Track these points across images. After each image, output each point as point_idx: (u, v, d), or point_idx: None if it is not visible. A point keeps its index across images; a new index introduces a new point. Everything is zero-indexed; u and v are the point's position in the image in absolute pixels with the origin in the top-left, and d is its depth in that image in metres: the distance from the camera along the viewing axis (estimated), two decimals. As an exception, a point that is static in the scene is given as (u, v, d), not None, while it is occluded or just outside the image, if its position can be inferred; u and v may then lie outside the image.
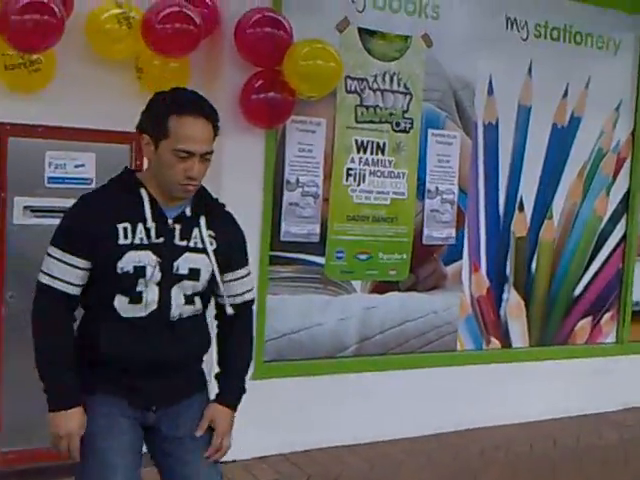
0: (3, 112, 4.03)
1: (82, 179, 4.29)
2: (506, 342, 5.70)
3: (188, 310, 2.59)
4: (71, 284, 2.51)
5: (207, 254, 2.58)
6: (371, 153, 4.98)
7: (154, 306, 2.52)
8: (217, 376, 2.75)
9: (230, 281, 2.69)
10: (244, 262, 2.75)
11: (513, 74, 5.51)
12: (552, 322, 5.88)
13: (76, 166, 4.28)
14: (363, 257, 5.04)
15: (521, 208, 5.62)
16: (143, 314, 2.52)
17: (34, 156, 4.19)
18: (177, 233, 2.54)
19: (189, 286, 2.57)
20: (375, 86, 4.93)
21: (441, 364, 5.31)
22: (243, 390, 2.75)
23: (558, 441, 5.38)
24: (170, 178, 2.47)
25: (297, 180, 4.75)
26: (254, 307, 2.85)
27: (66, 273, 2.50)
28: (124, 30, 4.10)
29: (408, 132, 5.10)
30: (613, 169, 6.02)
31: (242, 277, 2.73)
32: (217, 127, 2.52)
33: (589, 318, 6.04)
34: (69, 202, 3.84)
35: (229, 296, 2.70)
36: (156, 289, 2.51)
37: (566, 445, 5.33)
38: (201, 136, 2.45)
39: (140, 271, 2.49)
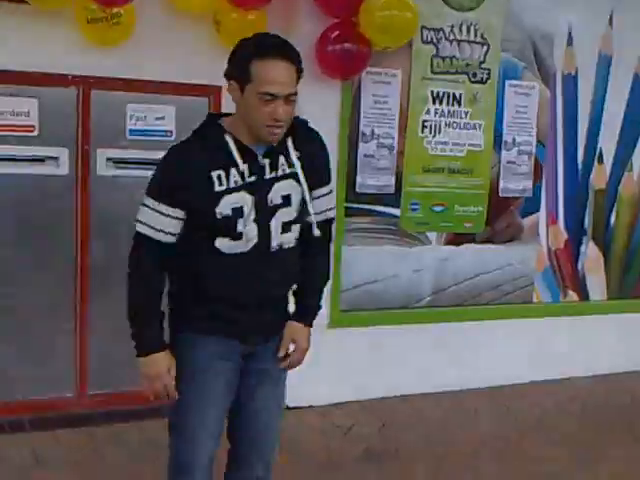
0: (86, 66, 4.15)
1: (162, 131, 4.41)
2: (583, 295, 5.64)
3: (286, 239, 2.66)
4: (166, 233, 2.59)
5: (295, 177, 2.64)
6: (447, 104, 4.95)
7: (255, 240, 2.59)
8: (295, 294, 2.82)
9: (314, 198, 2.72)
10: (328, 179, 2.79)
11: (593, 25, 5.36)
12: (631, 276, 5.79)
13: (156, 118, 4.39)
14: (438, 209, 5.04)
15: (600, 160, 5.52)
16: (245, 249, 2.60)
17: (116, 109, 4.31)
18: (267, 168, 2.60)
19: (284, 214, 2.64)
20: (452, 36, 4.88)
21: (516, 316, 5.31)
22: (319, 308, 2.85)
23: (635, 394, 5.33)
24: (257, 121, 2.50)
25: (372, 132, 4.77)
26: (334, 227, 2.90)
27: (161, 223, 2.58)
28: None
29: (485, 83, 5.05)
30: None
31: (326, 194, 2.77)
32: (300, 69, 2.54)
33: (669, 272, 5.93)
34: (150, 154, 4.08)
35: (316, 213, 2.73)
36: (255, 225, 2.58)
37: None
38: (284, 78, 2.48)
39: (238, 212, 2.56)
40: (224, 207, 2.55)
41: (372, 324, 4.89)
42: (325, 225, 2.80)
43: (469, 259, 5.16)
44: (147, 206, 2.60)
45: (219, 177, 2.55)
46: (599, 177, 5.55)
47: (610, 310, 5.68)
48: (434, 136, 4.94)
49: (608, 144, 5.53)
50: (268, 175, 2.60)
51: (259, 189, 2.58)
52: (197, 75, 4.37)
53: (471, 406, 4.97)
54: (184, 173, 2.56)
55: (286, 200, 2.63)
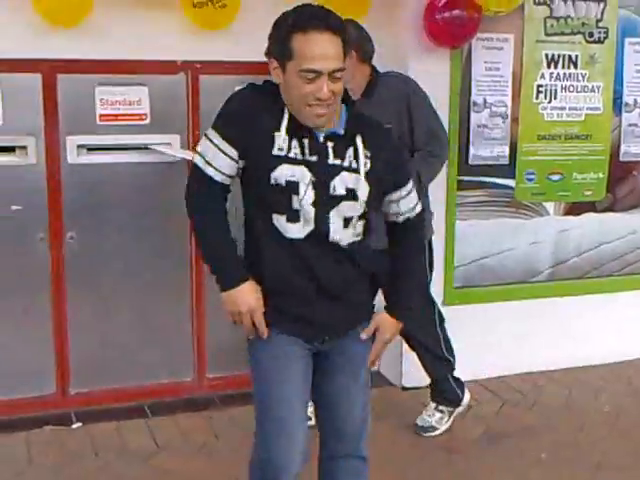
0: (192, 51, 4.11)
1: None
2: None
3: (348, 235, 2.48)
4: (220, 172, 2.44)
5: (360, 174, 2.45)
6: (562, 67, 4.71)
7: (311, 226, 2.42)
8: (386, 291, 2.68)
9: (393, 202, 2.58)
10: (405, 181, 2.59)
11: None
12: None
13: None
14: (556, 178, 4.82)
15: None
16: (301, 235, 2.43)
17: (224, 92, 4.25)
18: (330, 151, 2.42)
19: (348, 207, 2.46)
20: (566, -5, 4.64)
21: (641, 287, 5.07)
22: (410, 309, 2.69)
23: None
24: (298, 102, 2.32)
25: (484, 101, 4.57)
26: (424, 217, 2.75)
27: (218, 159, 2.43)
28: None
29: (603, 42, 4.77)
30: None
31: (405, 196, 2.59)
32: (347, 41, 2.32)
33: None
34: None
35: (396, 214, 2.60)
36: (312, 210, 2.41)
37: None
38: (328, 52, 2.26)
39: (293, 187, 2.39)
40: (279, 175, 2.37)
41: (488, 300, 4.74)
42: (411, 222, 2.63)
43: (590, 229, 4.94)
44: (209, 139, 2.45)
45: (279, 139, 2.38)
46: None
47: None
48: (550, 101, 4.71)
49: None
50: (332, 160, 2.42)
51: (321, 171, 2.40)
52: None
53: (594, 382, 4.79)
54: (254, 115, 2.40)
55: (351, 193, 2.43)
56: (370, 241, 2.60)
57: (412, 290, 2.75)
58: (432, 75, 4.35)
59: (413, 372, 4.46)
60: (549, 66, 4.68)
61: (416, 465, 3.78)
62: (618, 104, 4.88)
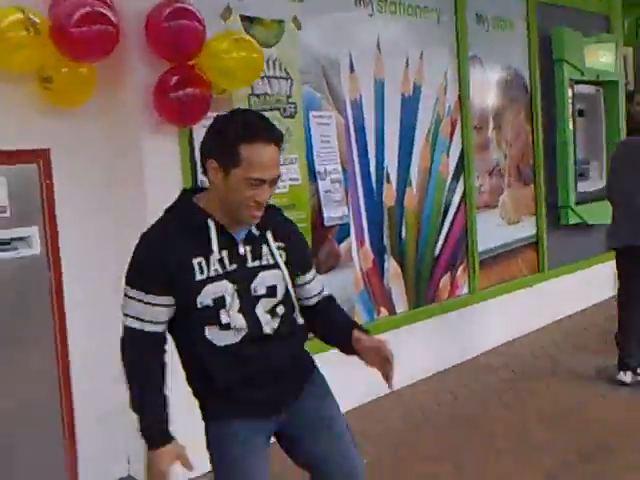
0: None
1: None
2: (391, 309, 5.88)
3: (277, 321, 2.56)
4: (157, 323, 2.44)
5: (279, 268, 2.55)
6: (267, 143, 4.86)
7: (244, 331, 2.48)
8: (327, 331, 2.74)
9: (305, 284, 2.71)
10: (311, 264, 2.77)
11: (366, 50, 5.62)
12: (422, 283, 6.16)
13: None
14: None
15: (388, 179, 5.80)
16: (237, 340, 2.47)
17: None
18: (249, 256, 2.50)
19: (268, 302, 2.54)
20: (262, 74, 4.80)
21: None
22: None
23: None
24: (238, 205, 2.41)
25: (209, 179, 4.52)
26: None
27: (151, 313, 2.42)
28: (30, 36, 3.63)
29: (294, 117, 5.05)
30: (449, 132, 6.39)
31: (313, 278, 2.75)
32: (282, 149, 2.51)
33: (448, 274, 6.40)
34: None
35: (308, 298, 2.72)
36: (240, 315, 2.48)
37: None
38: (273, 162, 2.43)
39: (219, 302, 2.46)
40: (205, 297, 2.43)
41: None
42: (326, 300, 2.79)
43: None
44: (131, 297, 2.41)
45: (200, 265, 2.43)
46: (389, 195, 5.82)
47: (415, 319, 5.99)
48: (259, 177, 4.82)
49: (392, 163, 5.82)
50: (251, 263, 2.50)
51: (242, 278, 2.48)
52: (25, 139, 3.85)
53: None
54: (168, 258, 2.40)
55: (272, 291, 2.54)
56: None
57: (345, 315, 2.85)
58: (164, 154, 4.23)
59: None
60: (256, 141, 4.79)
61: None
62: (312, 173, 5.17)
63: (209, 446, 2.59)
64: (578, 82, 7.86)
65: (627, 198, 5.45)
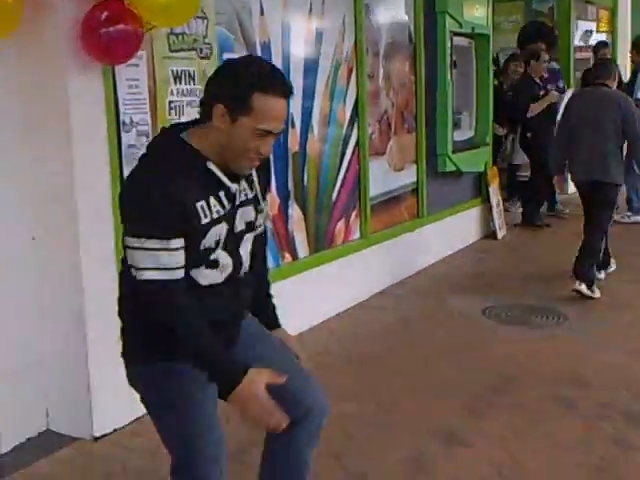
0: None
1: None
2: (294, 255, 5.93)
3: (248, 263, 2.65)
4: (182, 267, 2.40)
5: (254, 199, 2.59)
6: (185, 83, 4.75)
7: (230, 269, 2.51)
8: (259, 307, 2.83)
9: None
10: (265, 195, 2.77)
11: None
12: (321, 229, 6.24)
13: None
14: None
15: (293, 124, 5.79)
16: (220, 280, 2.50)
17: None
18: (237, 195, 2.50)
19: (249, 238, 2.60)
20: (182, 11, 4.65)
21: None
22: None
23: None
24: (241, 153, 2.39)
25: (131, 120, 4.38)
26: None
27: (174, 259, 2.36)
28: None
29: (209, 58, 4.93)
30: (346, 79, 6.44)
31: (264, 208, 2.75)
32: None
33: (343, 220, 6.51)
34: None
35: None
36: (226, 254, 2.50)
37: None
38: (282, 116, 2.40)
39: (217, 243, 2.46)
40: (209, 240, 2.43)
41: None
42: (264, 235, 2.85)
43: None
44: (151, 249, 2.32)
45: (202, 208, 2.40)
46: (293, 141, 5.82)
47: (316, 264, 6.07)
48: (179, 117, 4.70)
49: (296, 107, 5.80)
50: (238, 201, 2.51)
51: (231, 218, 2.50)
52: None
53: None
54: (178, 200, 2.34)
55: (249, 226, 2.58)
56: None
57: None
58: (88, 93, 4.05)
59: (103, 417, 4.13)
60: (176, 82, 4.68)
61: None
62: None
63: (155, 385, 2.52)
64: (456, 34, 8.10)
65: None
